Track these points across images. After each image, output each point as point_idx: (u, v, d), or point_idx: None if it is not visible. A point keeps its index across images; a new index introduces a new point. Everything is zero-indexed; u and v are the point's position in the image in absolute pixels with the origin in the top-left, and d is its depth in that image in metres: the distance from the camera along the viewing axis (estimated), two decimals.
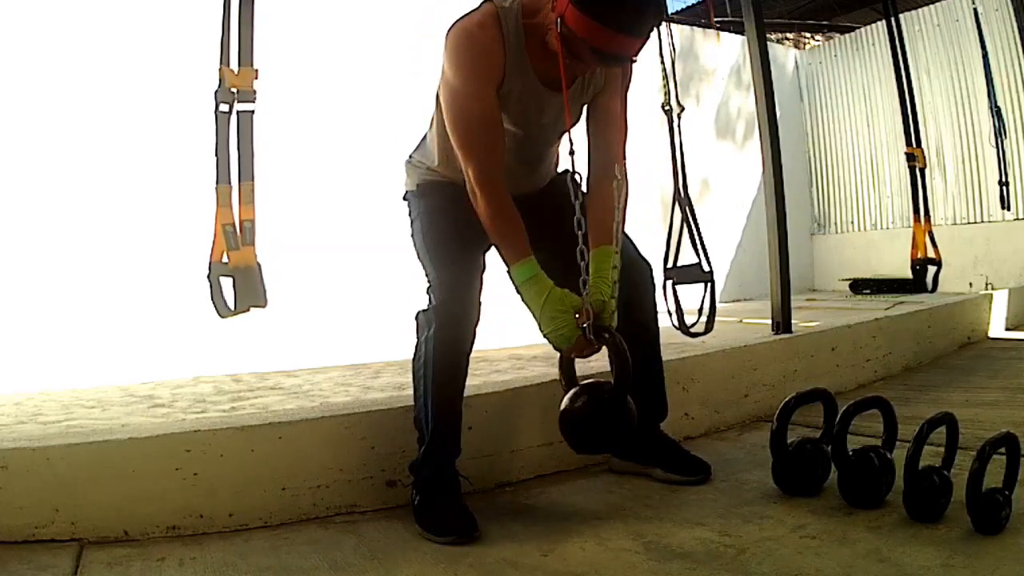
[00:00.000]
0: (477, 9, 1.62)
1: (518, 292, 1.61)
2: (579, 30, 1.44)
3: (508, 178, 1.72)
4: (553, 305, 1.57)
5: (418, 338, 1.71)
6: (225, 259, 1.88)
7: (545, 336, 1.60)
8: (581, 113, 1.76)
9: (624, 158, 1.73)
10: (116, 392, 3.72)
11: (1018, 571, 1.30)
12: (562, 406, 1.61)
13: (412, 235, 1.81)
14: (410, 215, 1.84)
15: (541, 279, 1.59)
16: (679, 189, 2.68)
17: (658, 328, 1.92)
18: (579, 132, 1.70)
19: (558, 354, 1.66)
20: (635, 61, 1.55)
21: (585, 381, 1.65)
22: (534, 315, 1.60)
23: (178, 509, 1.61)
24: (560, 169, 1.91)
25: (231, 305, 1.88)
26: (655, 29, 1.52)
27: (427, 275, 1.73)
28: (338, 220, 5.08)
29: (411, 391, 1.75)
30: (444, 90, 1.64)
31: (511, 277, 1.62)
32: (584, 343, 1.58)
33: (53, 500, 1.54)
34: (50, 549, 1.51)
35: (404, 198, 1.87)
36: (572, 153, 1.58)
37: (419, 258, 1.77)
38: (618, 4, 1.42)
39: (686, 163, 2.72)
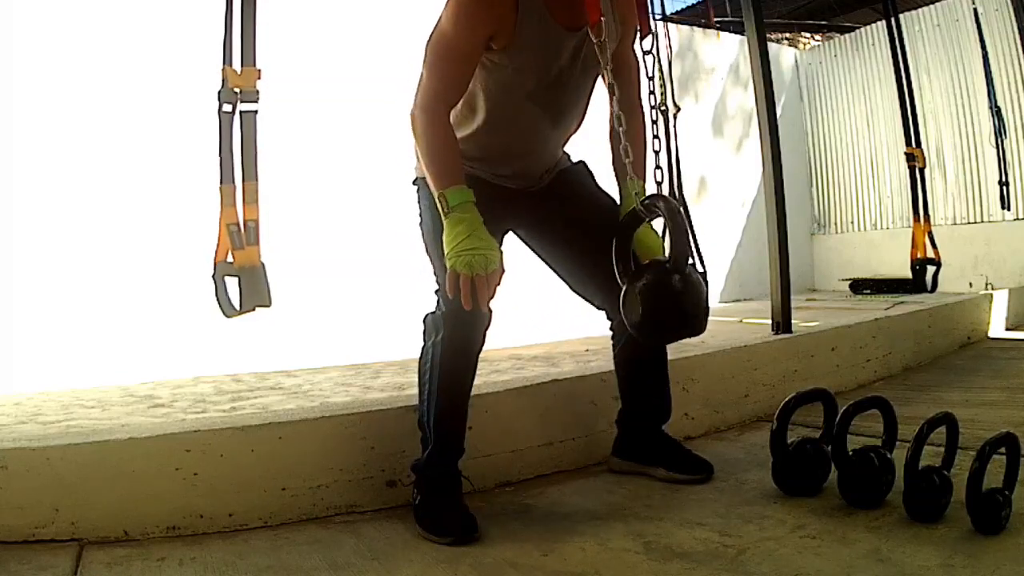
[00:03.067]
0: None
1: (445, 214, 1.50)
2: None
3: (535, 131, 1.69)
4: (484, 233, 1.49)
5: (425, 342, 1.69)
6: (229, 259, 1.89)
7: (455, 251, 1.47)
8: (596, 77, 1.72)
9: (640, 100, 1.80)
10: (116, 392, 3.72)
11: (1018, 571, 1.30)
12: (623, 291, 1.53)
13: (420, 224, 1.75)
14: (419, 203, 1.76)
15: (476, 211, 1.50)
16: (674, 189, 2.69)
17: None
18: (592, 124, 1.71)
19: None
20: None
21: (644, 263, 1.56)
22: (457, 237, 1.48)
23: (178, 509, 1.61)
24: (574, 160, 1.89)
25: (236, 305, 1.89)
26: None
27: (436, 275, 1.69)
28: (338, 220, 5.08)
29: (412, 391, 1.74)
30: (436, 25, 1.58)
31: (444, 200, 1.50)
32: (497, 274, 1.47)
33: (53, 500, 1.54)
34: (50, 549, 1.51)
35: (414, 183, 1.79)
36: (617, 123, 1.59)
37: (427, 252, 1.72)
38: None
39: (681, 163, 2.72)
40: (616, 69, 1.71)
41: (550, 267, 1.86)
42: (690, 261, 1.57)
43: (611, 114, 1.68)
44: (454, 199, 1.50)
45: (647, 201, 1.57)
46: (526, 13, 1.56)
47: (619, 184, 1.74)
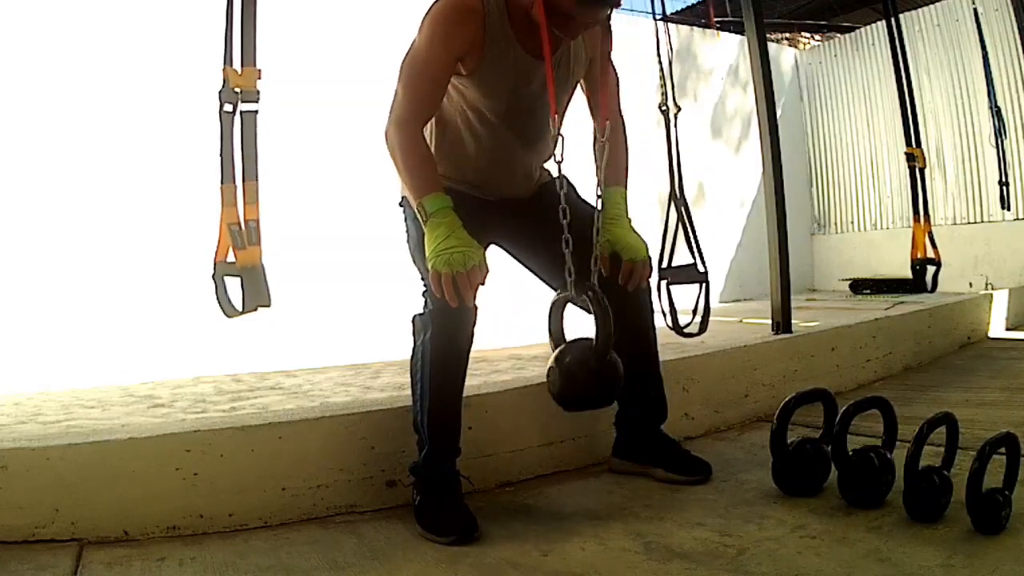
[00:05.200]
0: None
1: (424, 222, 1.56)
2: None
3: (510, 157, 1.77)
4: (463, 234, 1.53)
5: (414, 342, 1.71)
6: (230, 259, 1.89)
7: (434, 252, 1.51)
8: (572, 89, 1.80)
9: (620, 111, 1.87)
10: (116, 392, 3.72)
11: (1018, 571, 1.30)
12: (548, 365, 1.60)
13: (407, 240, 1.81)
14: (405, 220, 1.83)
15: (455, 215, 1.55)
16: (675, 189, 2.68)
17: (654, 327, 1.92)
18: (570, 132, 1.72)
19: (553, 348, 1.66)
20: (619, 5, 1.58)
21: (571, 339, 1.63)
22: (437, 239, 1.53)
23: (178, 509, 1.62)
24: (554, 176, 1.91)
25: (237, 305, 1.89)
26: None
27: (423, 278, 1.73)
28: (338, 222, 5.08)
29: (411, 391, 1.75)
30: (411, 46, 1.67)
31: (423, 208, 1.56)
32: (478, 271, 1.51)
33: (53, 500, 1.55)
34: (50, 549, 1.51)
35: (400, 204, 1.85)
36: (560, 161, 1.61)
37: (415, 263, 1.77)
38: None
39: (682, 163, 2.72)
40: (594, 89, 1.81)
41: (536, 275, 1.91)
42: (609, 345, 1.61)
43: (593, 129, 1.78)
44: (432, 206, 1.55)
45: (577, 286, 1.60)
46: (493, 40, 1.64)
47: (601, 190, 1.75)
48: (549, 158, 1.89)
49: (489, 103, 1.69)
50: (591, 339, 1.60)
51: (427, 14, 1.65)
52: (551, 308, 1.68)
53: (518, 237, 1.86)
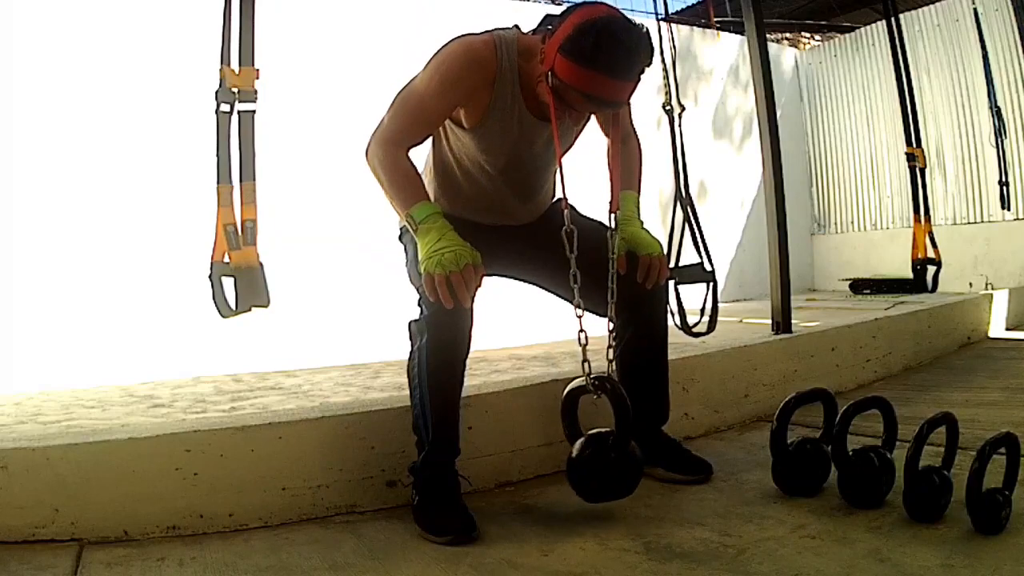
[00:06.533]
0: (479, 33, 1.63)
1: (415, 231, 1.54)
2: (569, 78, 1.45)
3: (504, 207, 1.77)
4: (454, 236, 1.51)
5: (411, 347, 1.70)
6: (227, 259, 1.89)
7: (426, 256, 1.49)
8: (574, 141, 1.79)
9: (632, 126, 1.88)
10: (116, 392, 3.72)
11: (1018, 571, 1.30)
12: (570, 457, 1.63)
13: (407, 264, 1.79)
14: (406, 252, 1.80)
15: (444, 220, 1.53)
16: (680, 189, 2.69)
17: (667, 327, 1.92)
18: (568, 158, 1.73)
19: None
20: (628, 104, 1.56)
21: (590, 432, 1.65)
22: (428, 244, 1.51)
23: (178, 509, 1.61)
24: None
25: (233, 305, 1.89)
26: (645, 71, 1.51)
27: (418, 289, 1.70)
28: (339, 220, 5.08)
29: (409, 395, 1.74)
30: (411, 81, 1.63)
31: (411, 218, 1.54)
32: (471, 270, 1.48)
33: (53, 500, 1.54)
34: (50, 549, 1.51)
35: (400, 239, 1.83)
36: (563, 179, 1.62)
37: (411, 280, 1.74)
38: (607, 48, 1.42)
39: (687, 163, 2.72)
40: (606, 118, 1.77)
41: (544, 288, 1.89)
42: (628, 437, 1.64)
43: (608, 143, 1.77)
44: (420, 214, 1.53)
45: (596, 380, 1.61)
46: (500, 97, 1.61)
47: (613, 194, 1.76)
48: (548, 200, 1.89)
49: (488, 158, 1.68)
50: (610, 431, 1.62)
51: (438, 52, 1.60)
52: (565, 399, 1.69)
53: (524, 257, 1.83)
